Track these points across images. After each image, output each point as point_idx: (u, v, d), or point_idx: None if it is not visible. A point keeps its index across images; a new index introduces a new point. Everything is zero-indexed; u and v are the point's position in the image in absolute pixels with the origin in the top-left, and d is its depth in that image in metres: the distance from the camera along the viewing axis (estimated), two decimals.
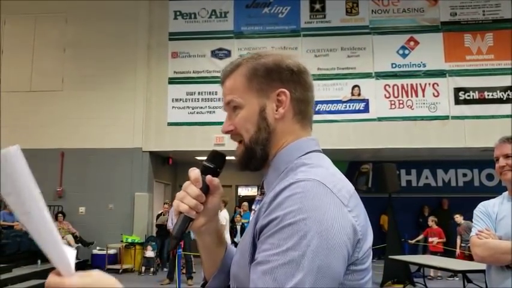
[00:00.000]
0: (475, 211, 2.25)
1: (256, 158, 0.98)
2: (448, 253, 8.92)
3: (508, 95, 10.66)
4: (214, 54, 11.31)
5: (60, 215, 10.56)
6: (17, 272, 8.35)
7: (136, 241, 10.51)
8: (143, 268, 10.04)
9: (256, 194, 1.06)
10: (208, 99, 11.08)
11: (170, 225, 8.33)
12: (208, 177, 0.97)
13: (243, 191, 14.53)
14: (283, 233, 0.79)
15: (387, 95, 10.92)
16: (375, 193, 10.73)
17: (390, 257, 7.56)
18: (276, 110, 0.98)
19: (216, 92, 10.86)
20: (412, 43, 11.09)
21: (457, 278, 8.42)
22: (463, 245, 8.79)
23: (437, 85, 10.87)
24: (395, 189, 8.88)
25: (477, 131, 10.39)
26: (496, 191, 2.38)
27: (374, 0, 11.33)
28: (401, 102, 10.89)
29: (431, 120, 10.74)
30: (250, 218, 1.01)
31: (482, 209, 2.23)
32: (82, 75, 11.38)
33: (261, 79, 0.98)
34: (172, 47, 11.47)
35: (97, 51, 11.43)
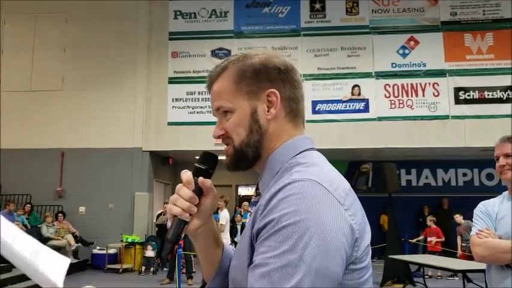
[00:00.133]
0: (475, 210, 2.26)
1: (247, 159, 0.97)
2: (447, 253, 8.91)
3: (508, 94, 10.66)
4: (215, 54, 11.31)
5: (60, 214, 10.58)
6: (16, 271, 8.34)
7: (136, 241, 10.51)
8: (143, 268, 10.04)
9: (254, 193, 1.06)
10: (208, 98, 10.92)
11: (169, 225, 8.31)
12: (201, 179, 0.96)
13: (243, 191, 14.54)
14: (279, 235, 0.79)
15: (387, 95, 10.92)
16: (375, 193, 10.73)
17: (390, 256, 7.56)
18: (268, 111, 0.97)
19: None
20: (412, 43, 11.09)
21: (457, 278, 8.42)
22: (463, 244, 8.79)
23: (437, 85, 10.87)
24: (395, 189, 8.88)
25: (477, 131, 10.40)
26: (496, 190, 2.38)
27: (374, 0, 11.33)
28: (401, 102, 10.88)
29: (431, 120, 10.74)
30: (247, 219, 1.01)
31: (483, 208, 2.23)
32: (82, 75, 11.38)
33: (249, 81, 0.97)
34: (172, 47, 11.47)
35: (97, 51, 11.42)
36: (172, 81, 11.34)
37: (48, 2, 11.64)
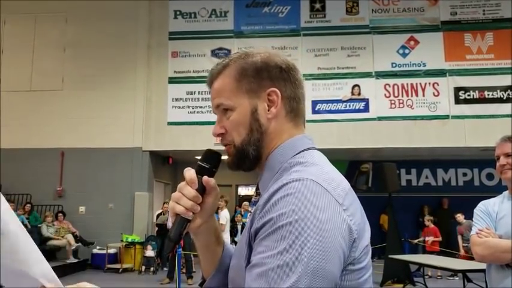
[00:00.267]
0: (475, 210, 2.26)
1: (249, 158, 0.96)
2: (445, 253, 8.90)
3: (508, 94, 10.66)
4: (214, 53, 11.32)
5: (60, 214, 10.58)
6: None
7: (136, 240, 10.51)
8: (143, 267, 10.04)
9: (254, 193, 1.05)
10: (208, 98, 10.93)
11: (170, 225, 8.32)
12: (205, 178, 0.95)
13: (243, 191, 14.54)
14: (277, 235, 0.78)
15: (387, 95, 10.92)
16: (375, 192, 10.73)
17: (390, 256, 7.55)
18: (268, 110, 0.96)
19: None
20: (412, 42, 11.09)
21: (457, 278, 8.42)
22: (464, 244, 8.79)
23: (438, 84, 10.87)
24: (395, 188, 8.88)
25: (477, 131, 10.39)
26: (496, 190, 2.38)
27: (374, 0, 11.33)
28: (401, 101, 10.88)
29: (431, 119, 10.74)
30: (247, 219, 1.00)
31: (483, 208, 2.23)
32: (82, 75, 11.38)
33: (250, 79, 0.96)
34: (172, 47, 11.47)
35: (97, 51, 11.43)
36: (172, 81, 11.34)
37: (48, 2, 11.64)
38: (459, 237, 9.10)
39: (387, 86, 10.94)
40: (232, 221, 10.07)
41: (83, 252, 10.54)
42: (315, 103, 10.82)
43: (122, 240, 10.47)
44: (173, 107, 11.25)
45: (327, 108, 10.92)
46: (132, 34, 11.51)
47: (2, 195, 0.62)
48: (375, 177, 11.50)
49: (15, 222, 0.63)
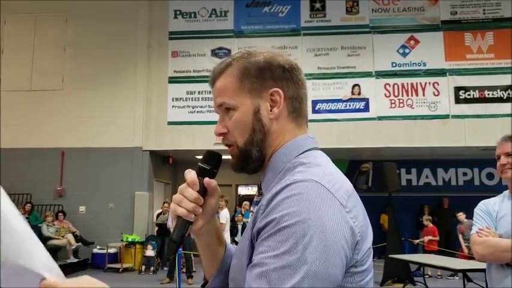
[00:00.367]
0: (475, 209, 2.26)
1: (252, 159, 0.96)
2: (444, 252, 8.89)
3: (508, 94, 10.66)
4: (215, 53, 11.31)
5: (60, 214, 10.59)
6: None
7: (136, 240, 10.52)
8: (143, 267, 10.05)
9: (256, 193, 1.05)
10: (208, 98, 11.07)
11: (170, 224, 8.34)
12: (206, 179, 0.95)
13: (243, 190, 14.54)
14: (279, 236, 0.78)
15: (387, 94, 10.92)
16: (375, 192, 10.73)
17: (390, 256, 7.56)
18: (271, 110, 0.95)
19: None
20: (412, 42, 11.08)
21: (457, 277, 8.42)
22: (466, 244, 8.79)
23: (438, 84, 10.86)
24: (395, 188, 8.88)
25: (477, 130, 10.39)
26: (496, 190, 2.38)
27: None
28: (401, 101, 10.88)
29: (432, 119, 10.74)
30: (249, 218, 1.00)
31: (483, 207, 2.23)
32: (82, 75, 11.39)
33: (253, 79, 0.95)
34: (172, 46, 11.47)
35: (97, 51, 11.43)
36: (172, 80, 11.34)
37: (48, 2, 11.64)
38: (460, 236, 9.10)
39: (387, 86, 10.93)
40: (233, 220, 10.06)
41: (83, 251, 10.54)
42: (315, 103, 10.82)
43: (122, 240, 10.48)
44: (173, 106, 11.25)
45: (327, 108, 10.92)
46: (132, 34, 11.51)
47: (2, 188, 0.62)
48: (375, 177, 11.50)
49: (15, 213, 0.62)
